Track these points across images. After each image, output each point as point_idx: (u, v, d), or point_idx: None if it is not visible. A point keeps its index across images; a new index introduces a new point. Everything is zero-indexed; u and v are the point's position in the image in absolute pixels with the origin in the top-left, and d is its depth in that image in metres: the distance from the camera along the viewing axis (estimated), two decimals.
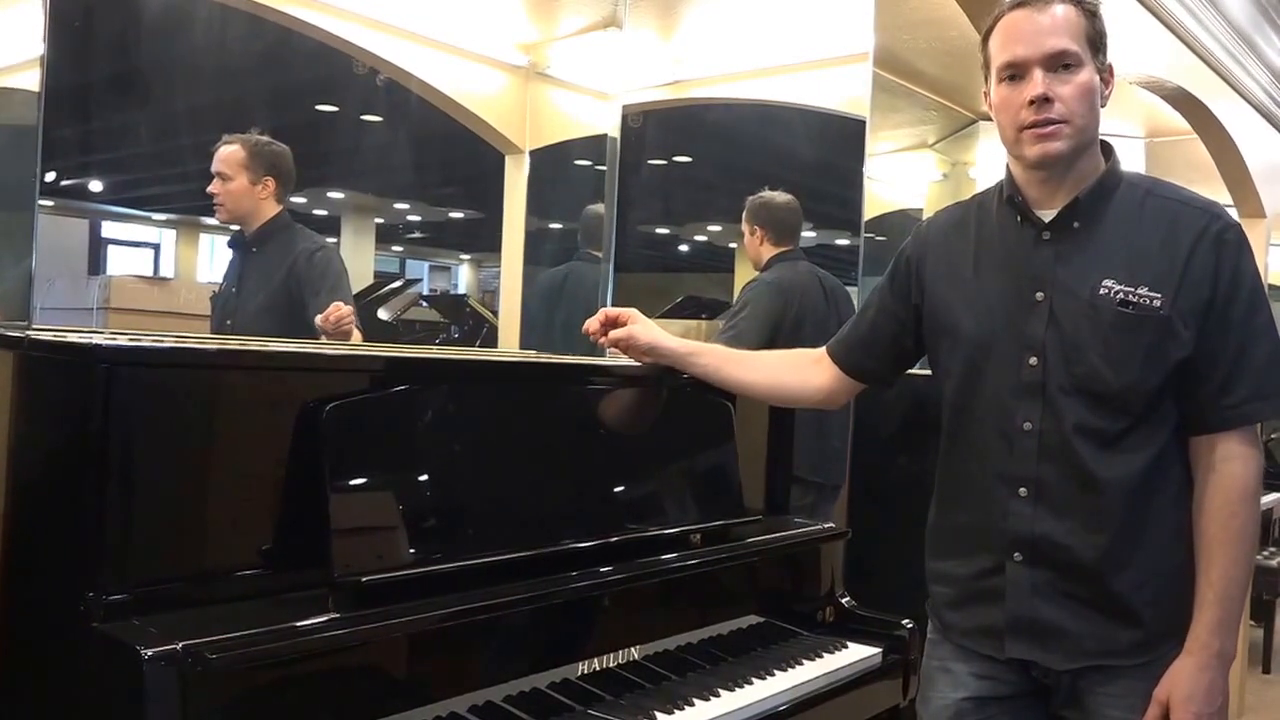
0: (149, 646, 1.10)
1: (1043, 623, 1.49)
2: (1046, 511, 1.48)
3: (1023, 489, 1.49)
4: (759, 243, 3.16)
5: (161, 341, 1.42)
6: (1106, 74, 1.51)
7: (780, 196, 3.18)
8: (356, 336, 2.47)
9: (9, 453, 1.30)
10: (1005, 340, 1.51)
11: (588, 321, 1.88)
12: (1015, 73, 1.47)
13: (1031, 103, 1.45)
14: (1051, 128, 1.45)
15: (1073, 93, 1.45)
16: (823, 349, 1.79)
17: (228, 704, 1.15)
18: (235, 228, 2.67)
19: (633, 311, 1.86)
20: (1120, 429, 1.45)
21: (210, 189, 2.59)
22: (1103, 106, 1.50)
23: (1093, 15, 1.48)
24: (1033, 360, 1.49)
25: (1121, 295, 1.44)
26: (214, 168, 2.58)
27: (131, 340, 1.38)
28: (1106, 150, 1.54)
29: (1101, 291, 1.45)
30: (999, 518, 1.51)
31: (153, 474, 1.24)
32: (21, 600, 1.28)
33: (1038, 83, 1.44)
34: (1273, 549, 5.26)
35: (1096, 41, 1.48)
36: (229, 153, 2.58)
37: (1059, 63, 1.45)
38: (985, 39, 1.53)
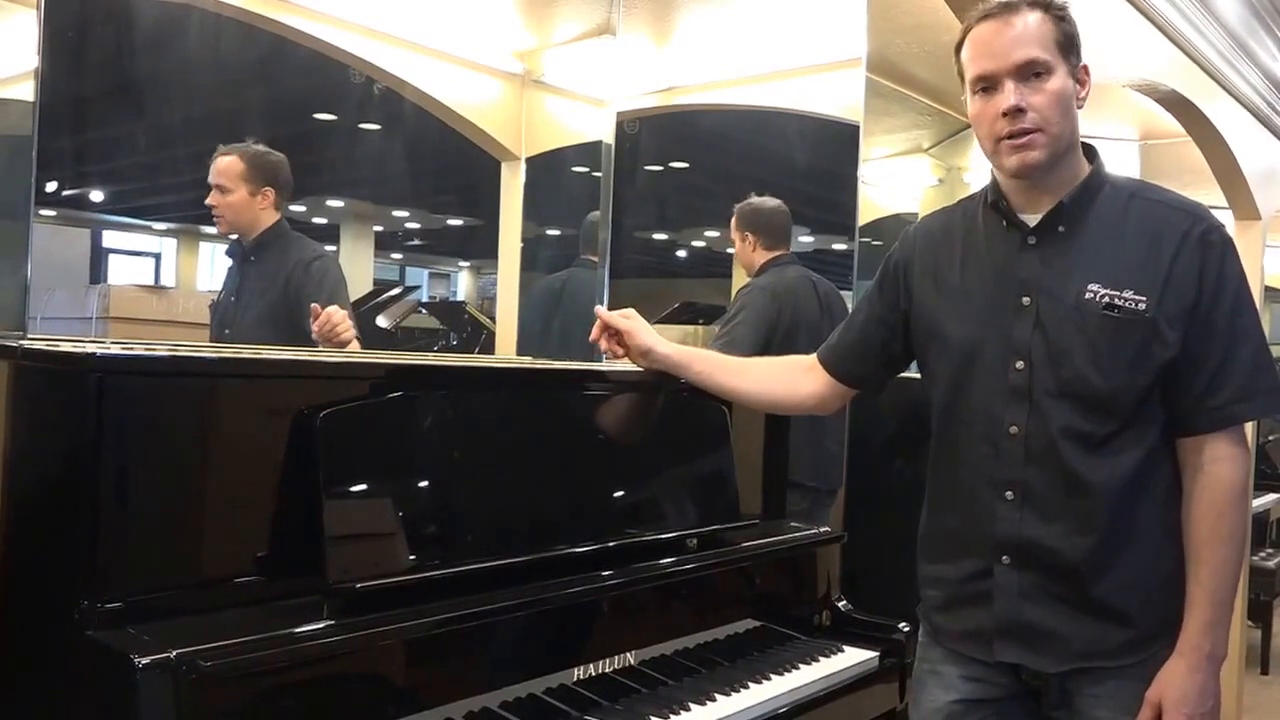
0: (143, 655, 1.10)
1: (1031, 625, 1.49)
2: (1034, 515, 1.48)
3: (1009, 492, 1.50)
4: (750, 249, 3.16)
5: (154, 350, 1.43)
6: (1081, 74, 1.51)
7: (769, 201, 3.18)
8: (355, 345, 2.46)
9: (4, 462, 1.31)
10: (991, 345, 1.52)
11: (594, 330, 1.88)
12: (987, 85, 1.48)
13: (1005, 114, 1.45)
14: (1027, 138, 1.45)
15: (1045, 101, 1.45)
16: (813, 356, 1.80)
17: (222, 712, 1.15)
18: (233, 237, 2.67)
19: (630, 312, 1.88)
20: (1107, 432, 1.46)
21: (209, 201, 2.57)
22: (1080, 108, 1.50)
23: (1061, 19, 1.48)
24: (1019, 364, 1.49)
25: (1107, 299, 1.44)
26: (212, 179, 2.57)
27: (125, 349, 1.39)
28: (1090, 153, 1.55)
29: (1087, 296, 1.46)
30: (986, 521, 1.51)
31: (147, 482, 1.25)
32: (16, 608, 1.28)
33: (1009, 94, 1.45)
34: (1270, 550, 5.26)
35: (1067, 45, 1.48)
36: (227, 164, 2.56)
37: (1029, 72, 1.45)
38: (957, 50, 1.54)
